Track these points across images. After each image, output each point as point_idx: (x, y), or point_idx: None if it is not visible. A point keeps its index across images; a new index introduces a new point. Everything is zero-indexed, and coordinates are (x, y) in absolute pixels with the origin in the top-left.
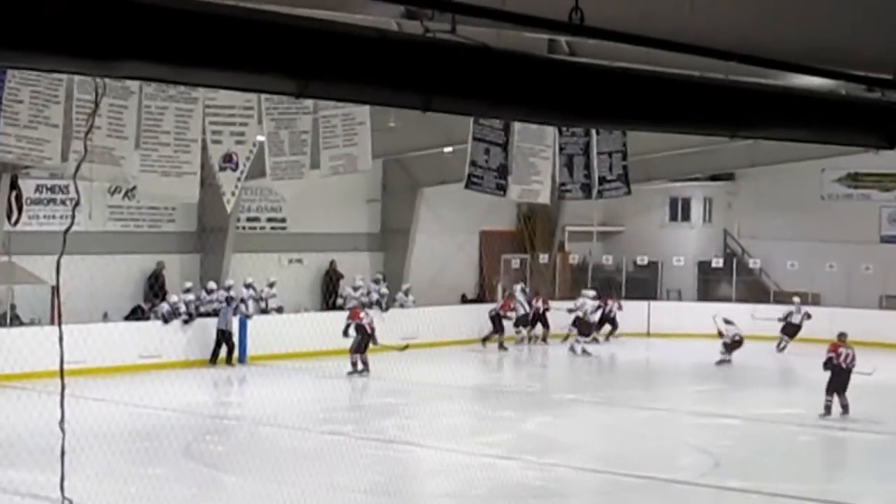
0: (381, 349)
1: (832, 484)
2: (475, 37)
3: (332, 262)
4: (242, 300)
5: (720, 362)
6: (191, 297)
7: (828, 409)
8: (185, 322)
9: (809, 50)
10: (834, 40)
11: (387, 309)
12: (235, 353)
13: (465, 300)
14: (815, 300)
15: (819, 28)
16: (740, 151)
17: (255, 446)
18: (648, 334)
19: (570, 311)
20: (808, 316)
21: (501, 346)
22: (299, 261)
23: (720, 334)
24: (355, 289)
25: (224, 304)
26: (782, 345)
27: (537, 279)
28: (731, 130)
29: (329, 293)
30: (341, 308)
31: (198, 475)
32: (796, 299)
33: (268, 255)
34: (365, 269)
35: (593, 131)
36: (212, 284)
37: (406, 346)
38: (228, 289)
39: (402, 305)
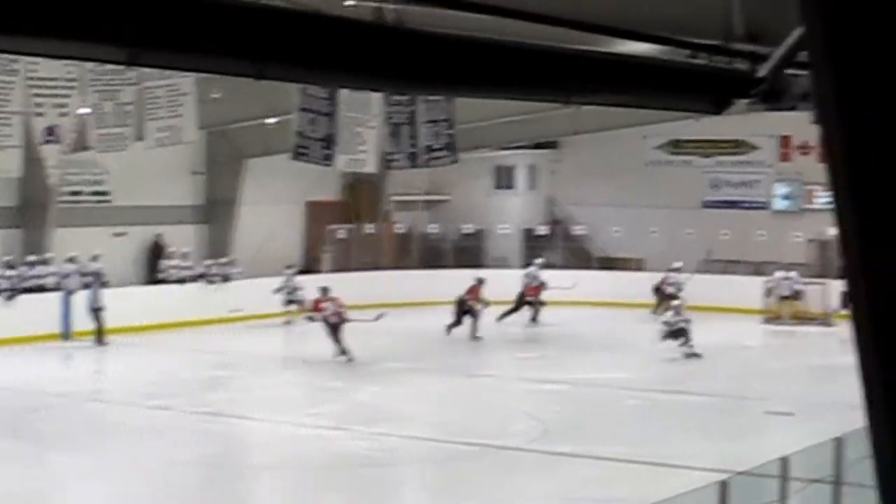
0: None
1: (662, 446)
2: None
3: (157, 236)
4: (66, 275)
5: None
6: (12, 272)
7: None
8: (8, 298)
9: (637, 17)
10: (661, 7)
11: (213, 281)
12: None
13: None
14: (640, 265)
15: None
16: (564, 119)
17: (82, 423)
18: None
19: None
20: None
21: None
22: (124, 234)
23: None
24: (174, 258)
25: (91, 279)
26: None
27: (363, 250)
28: (564, 97)
29: (154, 267)
30: (166, 281)
31: (23, 454)
32: (677, 264)
33: (92, 228)
34: (190, 242)
35: (419, 101)
36: (31, 257)
37: (379, 316)
38: (73, 261)
39: (227, 278)
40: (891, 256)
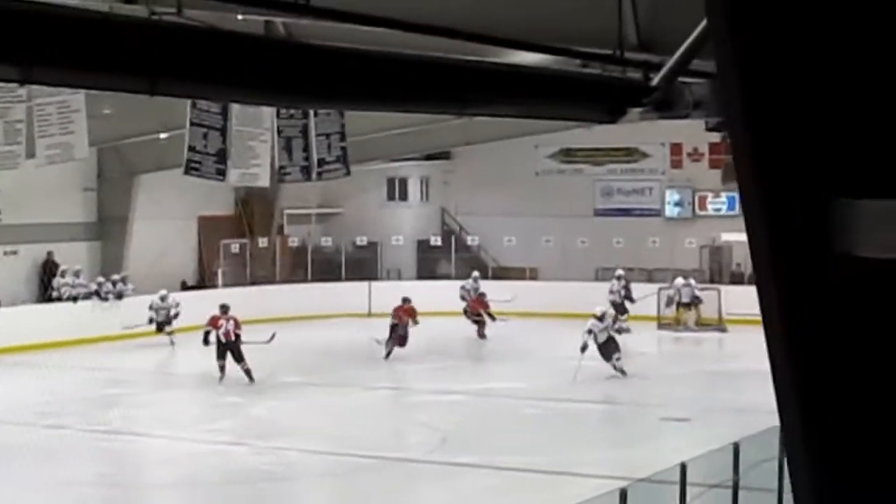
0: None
1: (560, 455)
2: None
3: (49, 253)
4: None
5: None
6: None
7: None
8: None
9: (530, 27)
10: (554, 17)
11: (106, 298)
12: None
13: (185, 287)
14: (533, 274)
15: (539, 5)
16: (455, 130)
17: None
18: (370, 314)
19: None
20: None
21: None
22: (14, 252)
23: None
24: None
25: None
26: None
27: (258, 264)
28: (458, 108)
29: (46, 285)
30: (59, 300)
31: None
32: (619, 272)
33: None
34: (83, 259)
35: (311, 114)
36: None
37: (272, 337)
38: None
39: (120, 295)
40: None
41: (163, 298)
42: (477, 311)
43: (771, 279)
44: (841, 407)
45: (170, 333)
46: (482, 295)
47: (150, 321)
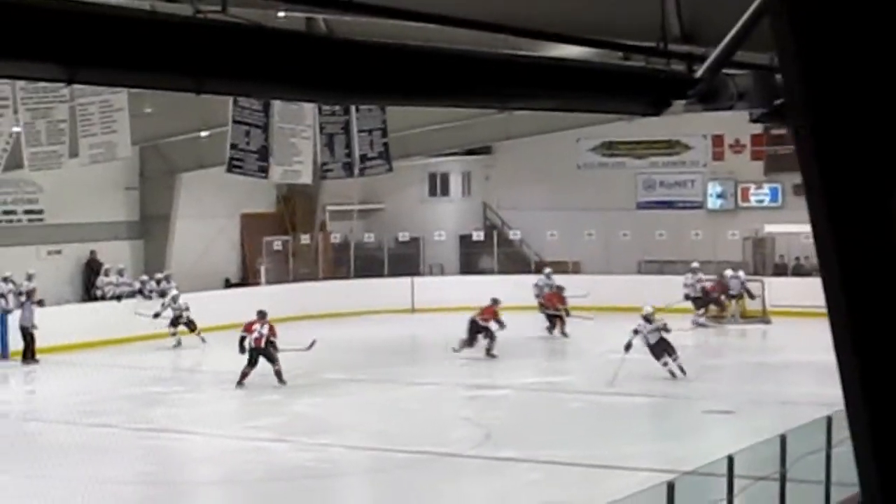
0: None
1: (604, 448)
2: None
3: (92, 252)
4: (1, 295)
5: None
6: None
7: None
8: None
9: (573, 21)
10: (597, 10)
11: (150, 297)
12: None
13: (228, 284)
14: (576, 268)
15: None
16: (496, 124)
17: (21, 443)
18: (413, 310)
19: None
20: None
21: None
22: (58, 252)
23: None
24: (110, 275)
25: (24, 300)
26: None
27: (300, 261)
28: (501, 103)
29: (90, 284)
30: (102, 298)
31: None
32: (695, 264)
33: (26, 247)
34: (125, 258)
35: (353, 110)
36: None
37: (312, 344)
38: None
39: (163, 293)
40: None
41: (174, 299)
42: (554, 305)
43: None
44: None
45: (174, 334)
46: (559, 289)
47: (156, 315)
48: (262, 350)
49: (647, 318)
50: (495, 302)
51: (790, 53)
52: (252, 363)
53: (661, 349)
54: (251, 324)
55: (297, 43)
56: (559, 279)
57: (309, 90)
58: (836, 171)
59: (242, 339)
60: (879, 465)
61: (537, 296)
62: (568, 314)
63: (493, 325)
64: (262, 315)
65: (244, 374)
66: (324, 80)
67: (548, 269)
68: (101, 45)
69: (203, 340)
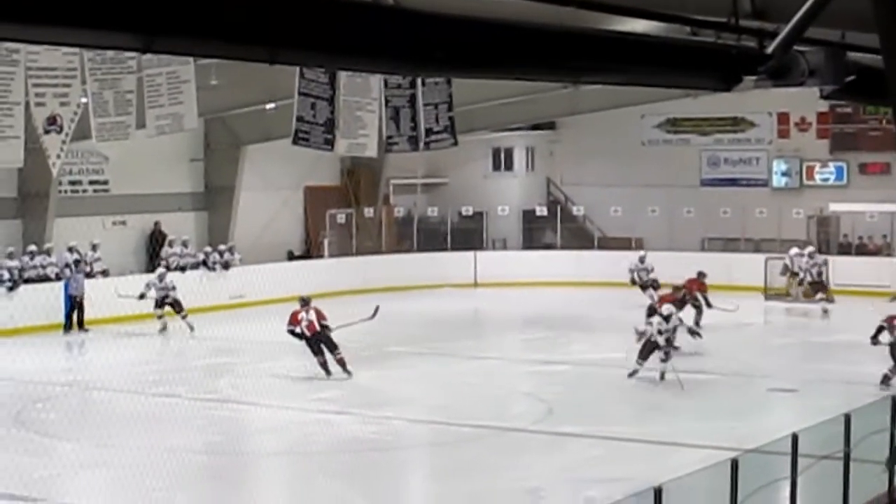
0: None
1: (666, 425)
2: None
3: (156, 223)
4: (67, 265)
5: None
6: (14, 263)
7: None
8: (10, 289)
9: None
10: None
11: (214, 268)
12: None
13: (291, 257)
14: (639, 245)
15: None
16: (561, 100)
17: (88, 412)
18: (476, 284)
19: None
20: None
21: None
22: (123, 223)
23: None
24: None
25: (72, 268)
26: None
27: (363, 234)
28: (572, 76)
29: (154, 255)
30: (167, 269)
31: (29, 443)
32: (810, 248)
33: (91, 218)
34: (190, 229)
35: (419, 83)
36: (32, 247)
37: (375, 311)
38: (72, 251)
39: (227, 265)
40: None
41: (160, 278)
42: (693, 293)
43: None
44: None
45: (160, 317)
46: (701, 275)
47: (142, 297)
48: (318, 336)
49: (666, 318)
50: (701, 275)
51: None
52: (317, 352)
53: (656, 347)
54: (296, 314)
55: (366, 13)
56: (621, 256)
57: (379, 61)
58: None
59: (292, 332)
60: None
61: (633, 282)
62: (709, 305)
63: (700, 299)
64: (304, 302)
65: (322, 364)
66: (394, 51)
67: (642, 253)
68: (175, 14)
69: (191, 328)
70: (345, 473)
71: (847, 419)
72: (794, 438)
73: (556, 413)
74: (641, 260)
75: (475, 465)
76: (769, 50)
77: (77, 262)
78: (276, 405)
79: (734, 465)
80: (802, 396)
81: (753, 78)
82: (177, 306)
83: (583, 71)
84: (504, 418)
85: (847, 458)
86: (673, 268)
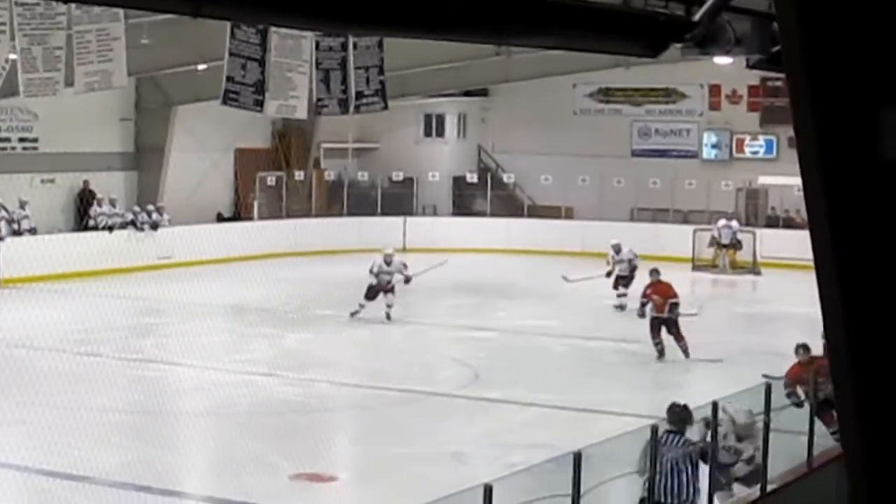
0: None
1: (590, 393)
2: None
3: (85, 182)
4: None
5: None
6: None
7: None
8: None
9: None
10: None
11: (142, 228)
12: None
13: (220, 218)
14: (569, 213)
15: None
16: (494, 67)
17: (10, 369)
18: (405, 249)
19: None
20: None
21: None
22: (52, 181)
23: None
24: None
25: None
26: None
27: (294, 197)
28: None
29: (83, 214)
30: (95, 228)
31: None
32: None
33: (20, 175)
34: (119, 189)
35: (350, 46)
36: None
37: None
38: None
39: (155, 225)
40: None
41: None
42: (665, 300)
43: (820, 189)
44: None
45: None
46: (655, 273)
47: None
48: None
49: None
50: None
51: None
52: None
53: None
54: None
55: None
56: (550, 224)
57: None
58: (829, 120)
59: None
60: (861, 418)
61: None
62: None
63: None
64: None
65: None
66: (323, 8)
67: (615, 241)
68: None
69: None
70: (268, 435)
71: (768, 388)
72: (715, 406)
73: (482, 379)
74: (617, 250)
75: (400, 428)
76: (696, 17)
77: (4, 220)
78: (200, 366)
79: (654, 430)
80: (727, 367)
81: (680, 46)
82: None
83: (511, 33)
84: (431, 383)
85: (767, 427)
86: (602, 237)
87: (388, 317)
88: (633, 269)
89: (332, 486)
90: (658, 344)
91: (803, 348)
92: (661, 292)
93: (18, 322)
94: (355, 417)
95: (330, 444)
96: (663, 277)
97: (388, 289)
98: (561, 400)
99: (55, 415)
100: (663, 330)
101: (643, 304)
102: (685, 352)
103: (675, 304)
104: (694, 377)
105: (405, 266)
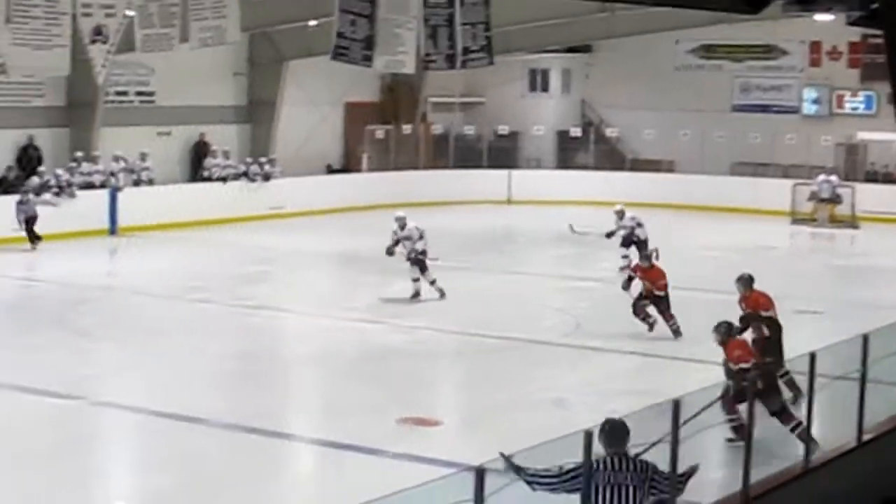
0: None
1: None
2: None
3: (201, 135)
4: (112, 173)
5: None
6: (61, 171)
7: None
8: (57, 195)
9: None
10: None
11: (254, 179)
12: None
13: (330, 170)
14: (670, 167)
15: None
16: (597, 23)
17: (127, 315)
18: (509, 201)
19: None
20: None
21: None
22: (168, 133)
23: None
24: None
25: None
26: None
27: (401, 150)
28: None
29: (197, 165)
30: (209, 179)
31: (70, 344)
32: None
33: (137, 128)
34: (232, 142)
35: (457, 3)
36: (78, 154)
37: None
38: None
39: (267, 177)
40: None
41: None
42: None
43: None
44: None
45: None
46: (644, 258)
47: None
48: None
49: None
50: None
51: None
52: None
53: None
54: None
55: None
56: (652, 178)
57: None
58: None
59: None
60: None
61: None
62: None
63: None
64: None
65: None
66: None
67: (618, 206)
68: None
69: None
70: (374, 380)
71: (865, 340)
72: (812, 357)
73: (584, 328)
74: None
75: (502, 375)
76: None
77: (124, 171)
78: (308, 313)
79: (753, 381)
80: (827, 318)
81: (781, 2)
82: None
83: None
84: (533, 331)
85: (863, 379)
86: (703, 191)
87: (442, 293)
88: (631, 240)
89: (438, 429)
90: (645, 319)
91: None
92: (651, 277)
93: (136, 270)
94: (458, 364)
95: (434, 390)
96: (659, 263)
97: (415, 260)
98: (661, 349)
99: (167, 361)
100: (652, 308)
101: (630, 279)
102: (675, 331)
103: (661, 298)
104: (795, 328)
105: (421, 237)
